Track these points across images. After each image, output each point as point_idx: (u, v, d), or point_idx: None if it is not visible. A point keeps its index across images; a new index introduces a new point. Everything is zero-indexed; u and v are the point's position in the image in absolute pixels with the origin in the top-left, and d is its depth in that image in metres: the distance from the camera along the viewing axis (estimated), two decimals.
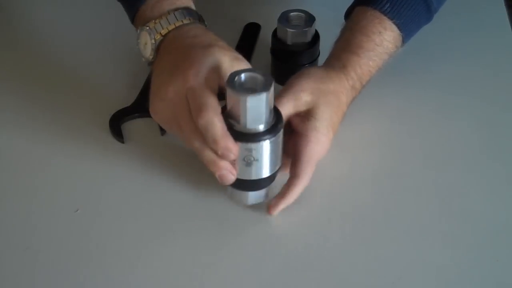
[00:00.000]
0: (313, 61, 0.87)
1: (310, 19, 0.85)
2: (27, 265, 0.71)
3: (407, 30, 0.81)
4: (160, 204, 0.77)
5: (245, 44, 0.95)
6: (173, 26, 0.75)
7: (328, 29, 0.83)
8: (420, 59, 0.91)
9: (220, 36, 0.71)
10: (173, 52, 0.74)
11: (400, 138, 0.83)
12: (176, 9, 0.76)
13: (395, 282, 0.70)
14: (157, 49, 0.75)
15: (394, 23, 0.79)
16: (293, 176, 0.74)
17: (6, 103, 0.88)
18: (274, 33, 0.87)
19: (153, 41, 0.75)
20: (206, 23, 0.78)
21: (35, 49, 0.91)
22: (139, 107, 0.86)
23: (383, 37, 0.79)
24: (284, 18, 0.85)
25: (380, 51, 0.79)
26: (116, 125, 0.84)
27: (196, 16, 0.77)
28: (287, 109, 0.73)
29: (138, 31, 0.77)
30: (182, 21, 0.75)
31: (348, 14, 0.83)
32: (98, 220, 0.75)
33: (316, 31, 0.86)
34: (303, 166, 0.73)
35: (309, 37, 0.85)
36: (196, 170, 0.79)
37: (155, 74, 0.75)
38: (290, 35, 0.84)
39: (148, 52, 0.76)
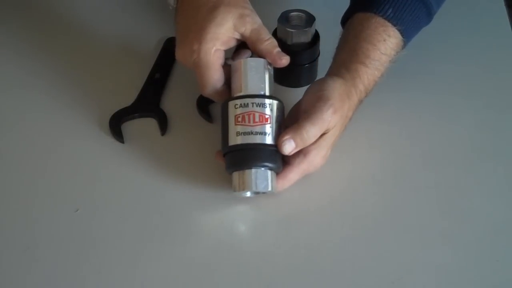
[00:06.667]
0: (313, 61, 0.86)
1: (310, 19, 0.85)
2: (27, 265, 0.71)
3: (408, 35, 0.80)
4: (160, 204, 0.77)
5: (246, 44, 0.94)
6: None
7: (328, 29, 0.82)
8: (420, 59, 0.91)
9: None
10: (187, 9, 0.78)
11: (400, 139, 0.83)
12: None
13: (395, 281, 0.70)
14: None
15: (398, 29, 0.79)
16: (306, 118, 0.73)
17: (6, 104, 0.88)
18: (274, 33, 0.86)
19: None
20: None
21: (33, 49, 0.91)
22: (139, 107, 0.86)
23: (387, 45, 0.78)
24: (284, 18, 0.85)
25: (385, 59, 0.79)
26: (116, 125, 0.84)
27: None
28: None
29: None
30: None
31: (346, 20, 0.82)
32: (98, 220, 0.75)
33: (316, 31, 0.86)
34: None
35: (309, 37, 0.85)
36: (196, 170, 0.79)
37: (176, 28, 0.79)
38: (290, 35, 0.84)
39: (172, 0, 0.81)
